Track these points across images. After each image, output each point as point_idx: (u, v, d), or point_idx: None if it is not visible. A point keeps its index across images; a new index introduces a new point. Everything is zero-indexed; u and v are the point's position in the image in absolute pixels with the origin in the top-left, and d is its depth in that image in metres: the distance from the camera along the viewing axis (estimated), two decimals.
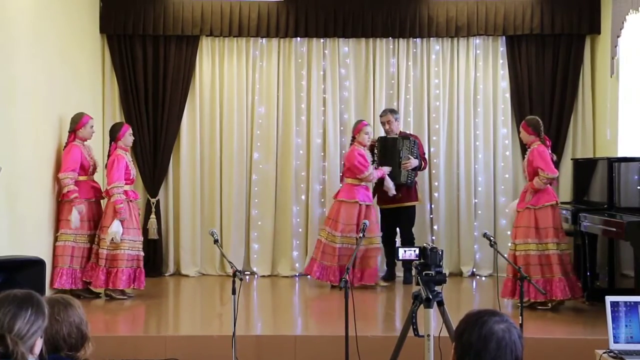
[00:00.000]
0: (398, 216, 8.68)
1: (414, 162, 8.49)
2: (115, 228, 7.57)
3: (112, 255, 7.65)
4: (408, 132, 9.09)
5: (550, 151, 7.23)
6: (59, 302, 3.12)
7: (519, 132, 7.61)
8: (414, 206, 8.75)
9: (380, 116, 8.84)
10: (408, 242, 8.40)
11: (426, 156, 8.96)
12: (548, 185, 7.07)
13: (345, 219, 8.23)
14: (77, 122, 7.75)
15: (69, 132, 7.78)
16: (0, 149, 6.47)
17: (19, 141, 6.92)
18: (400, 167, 8.49)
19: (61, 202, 7.69)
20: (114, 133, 7.93)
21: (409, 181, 8.54)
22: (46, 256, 7.05)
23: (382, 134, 8.85)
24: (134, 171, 7.99)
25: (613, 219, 6.76)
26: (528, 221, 7.07)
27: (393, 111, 8.84)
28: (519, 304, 6.81)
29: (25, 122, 7.05)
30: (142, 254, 7.87)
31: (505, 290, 7.11)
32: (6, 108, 6.67)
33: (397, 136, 8.64)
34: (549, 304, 7.07)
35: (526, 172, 7.24)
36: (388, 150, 8.59)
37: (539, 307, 7.08)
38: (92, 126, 7.85)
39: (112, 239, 7.57)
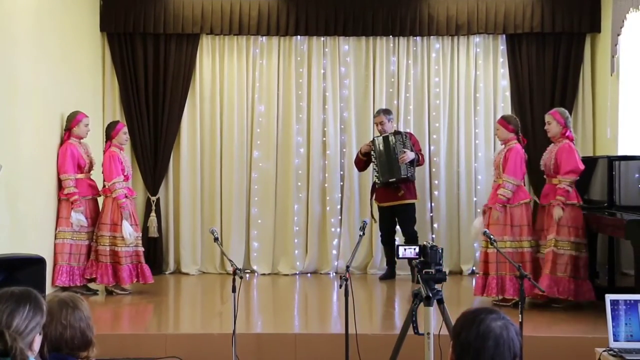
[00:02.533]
0: (397, 214, 8.68)
1: (410, 155, 8.48)
2: (127, 229, 7.66)
3: (113, 251, 7.71)
4: (407, 130, 9.10)
5: (524, 151, 7.25)
6: (67, 305, 3.10)
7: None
8: (414, 204, 8.72)
9: (374, 117, 8.85)
10: (411, 240, 8.38)
11: (423, 152, 8.93)
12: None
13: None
14: (72, 120, 7.78)
15: (65, 130, 7.82)
16: (1, 147, 6.48)
17: (20, 139, 6.93)
18: (398, 162, 8.48)
19: (60, 200, 7.71)
20: (109, 131, 7.98)
21: (410, 175, 8.54)
22: (47, 254, 7.05)
23: (377, 134, 8.87)
24: (129, 169, 8.04)
25: (613, 218, 6.77)
26: (503, 219, 7.07)
27: (386, 111, 8.83)
28: (494, 302, 6.82)
29: (26, 120, 7.06)
30: (141, 249, 7.90)
31: (477, 287, 7.19)
32: (7, 106, 6.68)
33: (388, 134, 8.64)
34: (508, 301, 7.00)
35: (500, 169, 7.19)
36: (383, 148, 8.58)
37: (501, 304, 6.99)
38: (87, 124, 7.86)
39: (129, 236, 7.70)
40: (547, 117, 7.25)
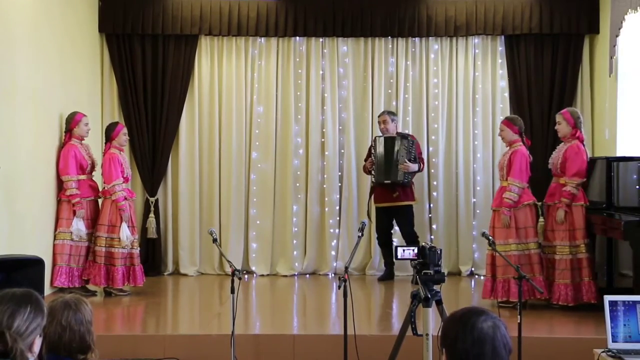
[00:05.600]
0: (393, 216, 8.69)
1: (413, 167, 8.50)
2: (125, 232, 7.67)
3: (109, 252, 7.71)
4: (407, 131, 9.10)
5: (528, 152, 7.25)
6: (70, 307, 3.09)
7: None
8: (411, 205, 8.73)
9: (378, 116, 8.86)
10: (410, 241, 8.38)
11: (424, 157, 8.94)
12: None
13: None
14: (71, 121, 7.78)
15: (65, 131, 7.82)
16: (0, 148, 6.48)
17: (18, 140, 6.93)
18: (397, 166, 8.49)
19: (60, 201, 7.70)
20: (109, 132, 7.98)
21: (405, 180, 8.55)
22: (46, 255, 7.06)
23: (377, 133, 8.89)
24: (128, 170, 8.03)
25: (611, 219, 6.77)
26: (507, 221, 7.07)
27: (391, 112, 8.86)
28: (499, 304, 6.80)
29: (24, 121, 7.06)
30: (136, 251, 7.90)
31: (485, 290, 7.16)
32: (5, 107, 6.68)
33: (395, 135, 8.65)
34: (512, 303, 6.93)
35: (504, 171, 7.19)
36: (385, 148, 8.58)
37: (504, 305, 6.89)
38: (87, 124, 7.85)
39: (126, 239, 7.70)
40: (558, 117, 7.26)
